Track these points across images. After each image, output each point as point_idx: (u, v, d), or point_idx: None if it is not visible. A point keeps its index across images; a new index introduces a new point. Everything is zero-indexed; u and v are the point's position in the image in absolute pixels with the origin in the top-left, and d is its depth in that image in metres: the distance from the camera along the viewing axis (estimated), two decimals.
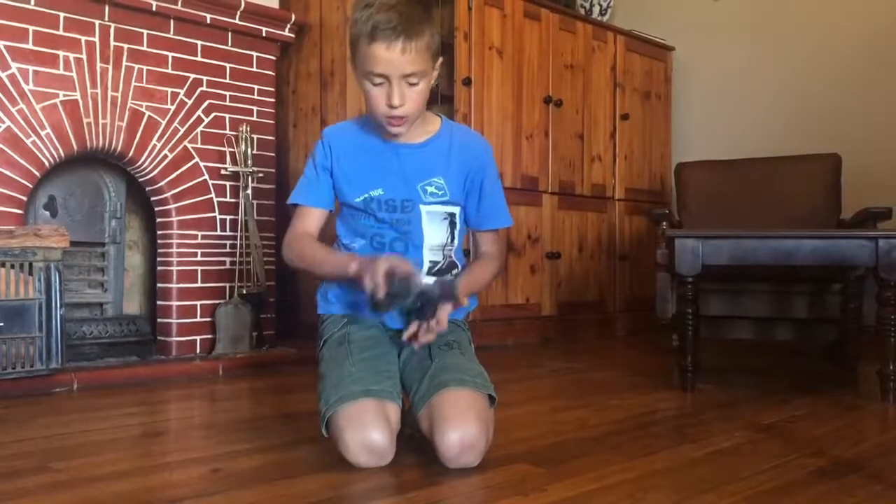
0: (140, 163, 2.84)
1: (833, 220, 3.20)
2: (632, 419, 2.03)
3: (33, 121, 2.56)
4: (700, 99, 4.43)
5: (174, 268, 2.92)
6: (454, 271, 1.69)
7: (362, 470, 1.46)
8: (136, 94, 2.80)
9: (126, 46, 2.77)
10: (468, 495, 1.38)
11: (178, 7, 2.86)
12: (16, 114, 2.53)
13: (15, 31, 2.52)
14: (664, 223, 3.09)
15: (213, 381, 2.63)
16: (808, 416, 2.07)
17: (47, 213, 2.76)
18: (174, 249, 2.93)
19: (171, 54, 2.90)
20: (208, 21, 2.96)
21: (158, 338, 2.93)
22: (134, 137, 2.80)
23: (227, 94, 3.07)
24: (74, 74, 2.65)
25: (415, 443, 1.60)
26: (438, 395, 1.49)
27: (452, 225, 1.67)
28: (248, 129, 3.08)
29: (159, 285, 2.96)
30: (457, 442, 1.45)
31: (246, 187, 3.05)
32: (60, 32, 2.62)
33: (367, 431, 1.45)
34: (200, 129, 2.98)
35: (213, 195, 3.02)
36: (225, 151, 3.05)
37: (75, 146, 2.67)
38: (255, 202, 3.10)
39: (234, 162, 3.06)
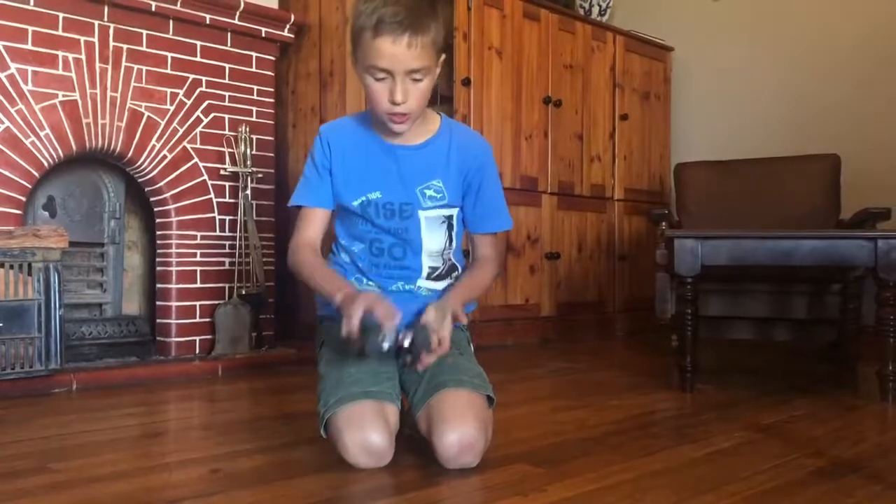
0: (139, 163, 2.84)
1: (832, 220, 3.20)
2: (631, 419, 2.03)
3: (32, 121, 2.56)
4: (699, 99, 4.43)
5: (173, 268, 2.92)
6: (454, 274, 1.69)
7: (361, 470, 1.46)
8: (135, 94, 2.80)
9: (125, 47, 2.77)
10: (467, 496, 1.38)
11: (178, 7, 2.86)
12: (15, 114, 2.53)
13: (14, 31, 2.52)
14: (663, 223, 3.09)
15: (213, 381, 2.63)
16: (807, 417, 2.07)
17: (46, 213, 2.76)
18: (173, 250, 2.93)
19: (170, 55, 2.90)
20: (207, 21, 2.96)
21: (158, 338, 2.92)
22: (133, 138, 2.80)
23: (227, 94, 3.07)
24: (73, 75, 2.65)
25: (414, 443, 1.59)
26: (437, 395, 1.49)
27: (450, 227, 1.66)
28: (248, 129, 3.08)
29: (158, 286, 2.96)
30: (455, 442, 1.44)
31: (245, 188, 3.05)
32: (59, 33, 2.62)
33: (366, 433, 1.45)
34: (200, 129, 2.98)
35: (212, 195, 3.02)
36: (224, 152, 3.05)
37: (74, 146, 2.67)
38: (254, 203, 3.09)
39: (234, 162, 3.06)
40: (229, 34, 3.06)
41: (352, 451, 1.45)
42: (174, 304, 2.91)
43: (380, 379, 1.53)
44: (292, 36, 3.31)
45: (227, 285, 3.03)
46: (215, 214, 3.02)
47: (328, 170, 1.63)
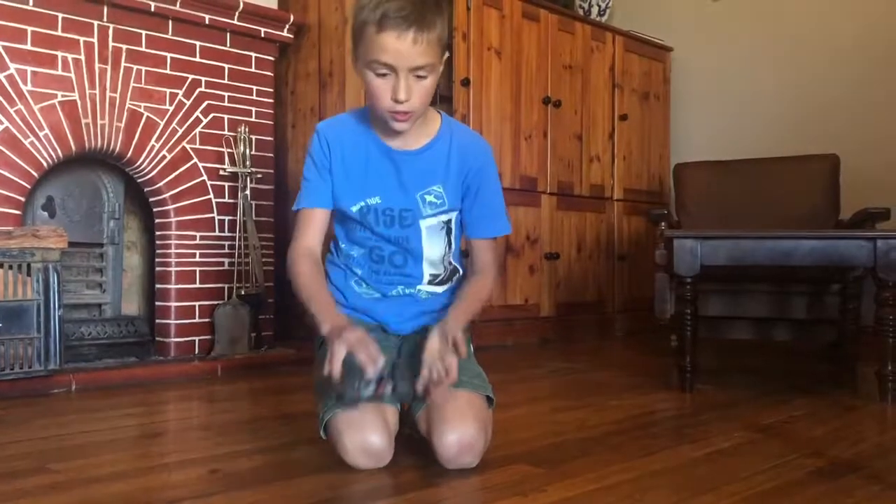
0: (138, 163, 2.84)
1: (831, 220, 3.21)
2: (631, 420, 2.03)
3: (31, 121, 2.56)
4: (698, 99, 4.43)
5: (173, 269, 2.92)
6: (455, 277, 1.68)
7: (361, 471, 1.46)
8: (134, 94, 2.80)
9: (124, 47, 2.77)
10: (467, 496, 1.38)
11: (177, 8, 2.86)
12: (14, 114, 2.52)
13: (13, 31, 2.52)
14: (663, 224, 3.09)
15: (212, 381, 2.63)
16: (806, 417, 2.07)
17: (45, 213, 2.76)
18: (173, 250, 2.93)
19: (169, 55, 2.89)
20: (207, 22, 2.96)
21: (157, 339, 2.92)
22: (132, 138, 2.80)
23: (226, 94, 3.06)
24: (73, 75, 2.65)
25: (413, 443, 1.59)
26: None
27: (448, 232, 1.64)
28: (247, 129, 3.08)
29: (158, 286, 2.96)
30: (455, 443, 1.44)
31: (244, 188, 3.05)
32: (59, 33, 2.62)
33: (366, 434, 1.45)
34: (199, 129, 2.98)
35: (211, 196, 3.01)
36: (223, 152, 3.05)
37: (73, 147, 2.66)
38: (253, 203, 3.09)
39: (233, 163, 3.06)
40: (228, 34, 3.06)
41: (351, 452, 1.45)
42: (173, 304, 2.91)
43: None
44: (291, 36, 3.31)
45: (226, 286, 3.03)
46: (214, 215, 3.02)
47: (328, 169, 1.59)
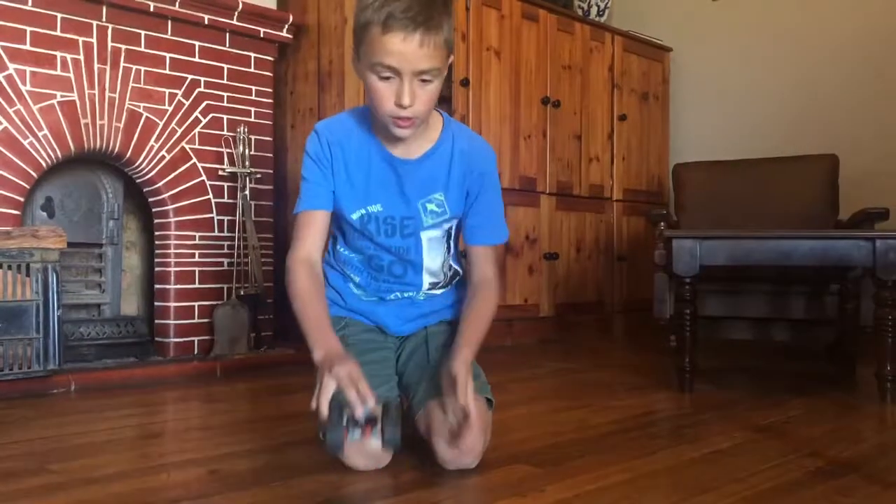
0: (138, 164, 2.84)
1: (830, 220, 3.21)
2: (630, 420, 2.03)
3: (30, 122, 2.56)
4: (698, 100, 4.43)
5: (172, 269, 2.92)
6: (455, 280, 1.68)
7: (361, 471, 1.45)
8: (133, 94, 2.80)
9: (124, 47, 2.77)
10: (467, 496, 1.38)
11: (176, 8, 2.86)
12: (13, 115, 2.52)
13: (12, 31, 2.52)
14: (662, 224, 3.09)
15: (211, 382, 2.63)
16: (805, 417, 2.07)
17: (45, 214, 2.76)
18: (172, 250, 2.92)
19: (168, 55, 2.89)
20: (206, 22, 2.96)
21: (156, 339, 2.92)
22: (131, 138, 2.80)
23: (225, 94, 3.06)
24: (72, 75, 2.65)
25: (413, 443, 1.59)
26: (437, 397, 1.49)
27: (449, 237, 1.63)
28: (246, 130, 3.08)
29: (157, 286, 2.96)
30: (455, 445, 1.44)
31: (244, 188, 3.05)
32: (58, 33, 2.61)
33: (365, 436, 1.44)
34: (198, 129, 2.98)
35: (210, 196, 3.01)
36: (223, 152, 3.05)
37: (73, 147, 2.66)
38: (252, 203, 3.09)
39: (232, 163, 3.05)
40: (228, 35, 3.06)
41: (350, 454, 1.44)
42: (173, 304, 2.91)
43: (379, 382, 1.52)
44: (291, 37, 3.31)
45: (225, 286, 3.03)
46: (214, 215, 3.02)
47: (330, 169, 1.54)
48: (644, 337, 3.91)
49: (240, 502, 1.32)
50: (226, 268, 3.04)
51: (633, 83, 4.29)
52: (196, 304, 2.95)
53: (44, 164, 2.60)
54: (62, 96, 2.63)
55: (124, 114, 2.78)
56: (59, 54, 2.62)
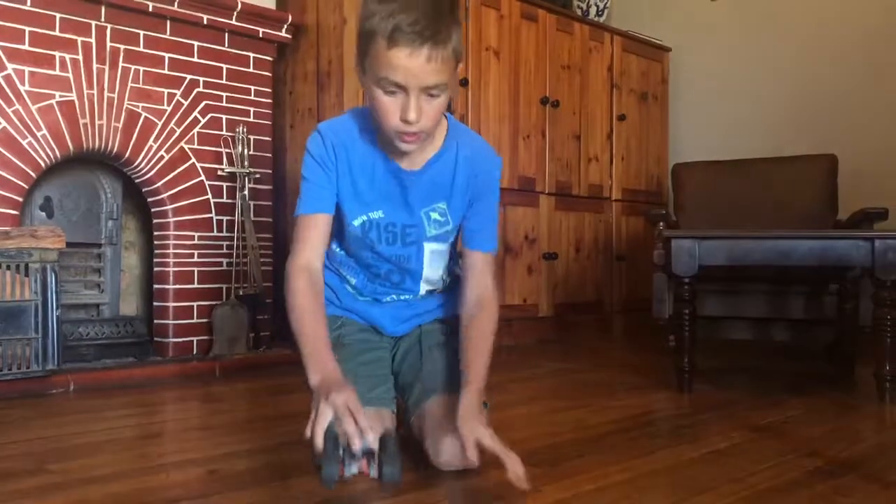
0: (136, 164, 2.84)
1: (829, 220, 3.21)
2: (629, 420, 2.03)
3: (29, 122, 2.56)
4: (697, 99, 4.44)
5: (171, 269, 2.92)
6: (452, 283, 1.67)
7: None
8: (132, 94, 2.80)
9: (122, 47, 2.77)
10: (465, 496, 1.37)
11: (175, 8, 2.86)
12: (12, 115, 2.52)
13: (11, 31, 2.52)
14: (661, 224, 3.09)
15: (210, 382, 2.63)
16: (804, 417, 2.07)
17: (43, 213, 2.76)
18: (171, 251, 2.92)
19: (167, 55, 2.89)
20: (205, 22, 2.96)
21: (155, 339, 2.92)
22: (130, 138, 2.80)
23: (224, 94, 3.06)
24: (71, 75, 2.65)
25: (412, 444, 1.59)
26: (430, 399, 1.49)
27: (451, 247, 1.63)
28: (245, 130, 3.08)
29: (156, 286, 2.96)
30: (449, 446, 1.43)
31: (242, 188, 3.05)
32: (56, 33, 2.61)
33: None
34: (197, 129, 2.98)
35: (209, 196, 3.01)
36: (222, 152, 3.05)
37: (71, 147, 2.66)
38: (251, 203, 3.09)
39: (231, 163, 3.05)
40: (227, 35, 3.06)
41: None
42: (172, 304, 2.91)
43: (375, 383, 1.52)
44: (290, 37, 3.31)
45: (224, 286, 3.03)
46: (213, 215, 3.02)
47: (334, 170, 1.51)
48: (643, 337, 3.91)
49: (239, 502, 1.31)
50: (225, 268, 3.04)
51: (633, 83, 4.29)
52: (195, 304, 2.95)
53: (42, 164, 2.60)
54: (61, 96, 2.63)
55: (123, 114, 2.78)
56: (57, 54, 2.62)
